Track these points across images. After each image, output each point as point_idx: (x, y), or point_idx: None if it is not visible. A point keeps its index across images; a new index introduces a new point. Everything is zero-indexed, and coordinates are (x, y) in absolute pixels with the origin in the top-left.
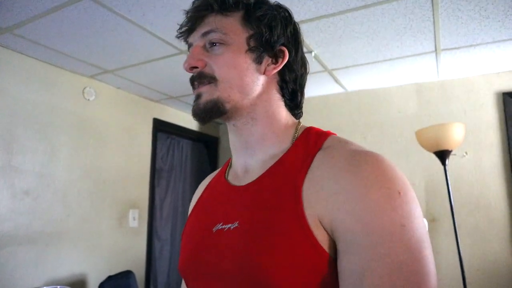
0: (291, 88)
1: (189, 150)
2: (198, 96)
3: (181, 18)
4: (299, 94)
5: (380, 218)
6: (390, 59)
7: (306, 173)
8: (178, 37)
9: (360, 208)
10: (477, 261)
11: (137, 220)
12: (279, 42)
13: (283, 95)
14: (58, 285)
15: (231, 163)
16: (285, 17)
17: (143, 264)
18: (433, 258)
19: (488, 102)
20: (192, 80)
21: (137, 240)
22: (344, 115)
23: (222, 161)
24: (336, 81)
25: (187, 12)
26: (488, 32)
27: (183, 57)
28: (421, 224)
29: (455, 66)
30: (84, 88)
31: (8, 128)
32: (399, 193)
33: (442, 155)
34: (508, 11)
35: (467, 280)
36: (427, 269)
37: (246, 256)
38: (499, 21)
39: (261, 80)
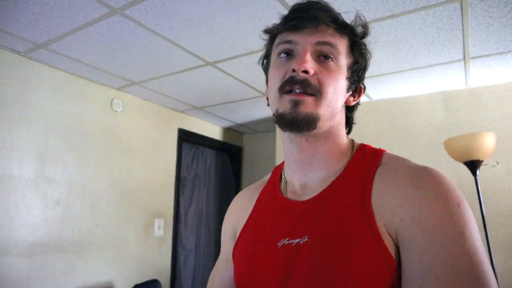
0: (351, 118)
1: (213, 159)
2: (296, 103)
3: (207, 31)
4: (351, 121)
5: (442, 226)
6: (417, 68)
7: (371, 187)
8: (274, 30)
9: (423, 217)
10: (511, 275)
11: (163, 229)
12: (362, 79)
13: (346, 121)
14: None
15: (283, 178)
16: (370, 56)
17: (168, 273)
18: (491, 269)
19: None
20: (292, 82)
21: (162, 249)
22: (369, 124)
23: (245, 171)
24: None
25: (297, 7)
26: None
27: (208, 69)
28: (476, 232)
29: (484, 74)
30: (112, 100)
31: (42, 140)
32: (458, 205)
33: (473, 165)
34: None
35: None
36: (488, 276)
37: (322, 269)
38: None
39: (342, 106)
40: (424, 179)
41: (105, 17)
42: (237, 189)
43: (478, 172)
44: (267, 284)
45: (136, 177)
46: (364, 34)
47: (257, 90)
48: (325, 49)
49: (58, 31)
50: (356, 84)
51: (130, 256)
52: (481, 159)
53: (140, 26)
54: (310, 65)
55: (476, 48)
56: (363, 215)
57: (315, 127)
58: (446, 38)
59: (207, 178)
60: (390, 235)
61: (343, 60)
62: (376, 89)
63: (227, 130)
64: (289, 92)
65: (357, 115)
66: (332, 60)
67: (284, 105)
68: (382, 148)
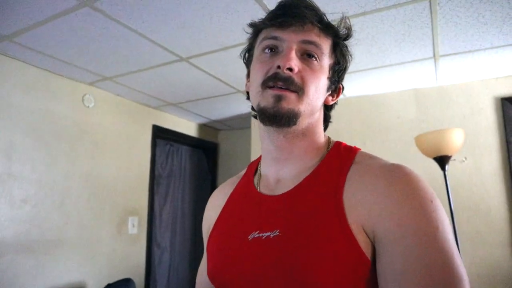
0: (328, 116)
1: (188, 156)
2: (279, 98)
3: (180, 25)
4: (328, 119)
5: (417, 222)
6: (389, 65)
7: (344, 184)
8: (254, 25)
9: (400, 214)
10: (477, 267)
11: (137, 227)
12: (341, 80)
13: (324, 119)
14: None
15: (258, 172)
16: (351, 58)
17: (142, 271)
18: (460, 257)
19: (487, 107)
20: (275, 79)
21: (136, 248)
22: (343, 120)
23: (221, 167)
24: None
25: (284, 3)
26: (486, 38)
27: (183, 64)
28: (448, 227)
29: (453, 72)
30: (84, 95)
31: (7, 136)
32: (431, 201)
33: (442, 160)
34: (506, 17)
35: None
36: (460, 270)
37: (292, 262)
38: (497, 27)
39: (322, 105)
40: (398, 176)
41: (74, 9)
42: (213, 186)
43: (447, 167)
44: (238, 276)
45: (109, 174)
46: (348, 36)
47: (231, 87)
48: (310, 48)
49: (23, 23)
50: (336, 84)
51: (103, 255)
52: (449, 155)
53: (111, 20)
54: (295, 62)
55: (445, 46)
56: (334, 212)
57: (295, 123)
58: (416, 36)
59: (182, 175)
60: (366, 232)
61: (326, 60)
62: (350, 85)
63: (202, 127)
64: (272, 87)
65: (331, 111)
66: (316, 60)
67: (267, 99)
68: (355, 144)
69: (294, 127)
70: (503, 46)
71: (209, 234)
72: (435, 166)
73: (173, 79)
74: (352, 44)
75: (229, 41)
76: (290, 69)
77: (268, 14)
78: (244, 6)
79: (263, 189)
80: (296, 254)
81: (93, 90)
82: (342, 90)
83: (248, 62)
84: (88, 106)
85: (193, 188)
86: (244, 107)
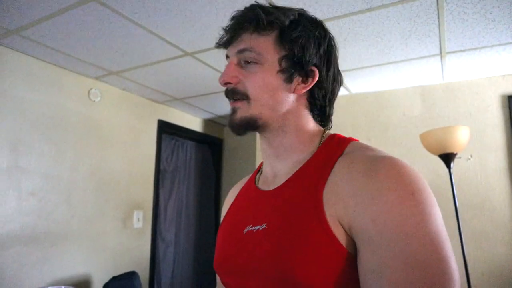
0: (319, 104)
1: (193, 151)
2: (233, 111)
3: (186, 20)
4: (327, 109)
5: (394, 218)
6: (395, 62)
7: (327, 177)
8: (216, 47)
9: (375, 209)
10: (482, 265)
11: (142, 221)
12: (310, 63)
13: (311, 110)
14: (63, 286)
15: (261, 169)
16: (319, 36)
17: (147, 265)
18: (453, 255)
19: (494, 105)
20: (226, 94)
21: (141, 241)
22: (348, 117)
23: (226, 163)
24: None
25: (226, 26)
26: (493, 35)
27: (188, 59)
28: (437, 222)
29: (460, 69)
30: (90, 90)
31: (15, 130)
32: (413, 194)
33: (447, 158)
34: None
35: (471, 284)
36: (445, 265)
37: (273, 255)
38: (504, 23)
39: (291, 98)
40: (378, 169)
41: (80, 3)
42: (218, 181)
43: (452, 164)
44: (233, 268)
45: (114, 168)
46: (292, 22)
47: None
48: (245, 55)
49: (31, 17)
50: (301, 71)
51: (108, 248)
52: (455, 152)
53: (117, 14)
54: (228, 76)
55: (452, 43)
56: (313, 205)
57: (257, 126)
58: (423, 32)
59: (187, 170)
60: (342, 226)
61: (269, 57)
62: (355, 82)
63: (207, 122)
64: (230, 102)
65: (336, 108)
66: (254, 63)
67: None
68: (361, 140)
69: (264, 129)
70: (511, 43)
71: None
72: (441, 163)
73: (178, 74)
74: (359, 40)
75: None
76: (229, 83)
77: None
78: (249, 1)
79: (261, 185)
80: (278, 247)
81: (99, 85)
82: (322, 73)
83: None
84: (94, 101)
85: (198, 182)
86: None
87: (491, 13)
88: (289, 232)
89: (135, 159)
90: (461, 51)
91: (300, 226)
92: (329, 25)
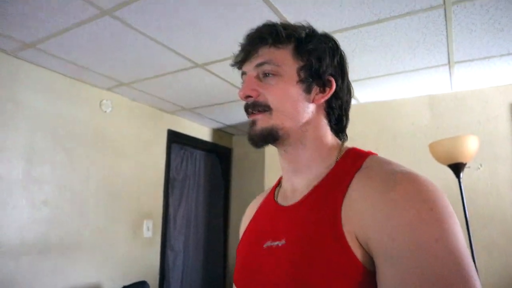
0: (337, 114)
1: (202, 161)
2: (253, 123)
3: (197, 33)
4: (344, 119)
5: (411, 234)
6: (403, 72)
7: (345, 192)
8: (232, 66)
9: (392, 225)
10: (493, 276)
11: (151, 230)
12: (327, 73)
13: (329, 121)
14: None
15: (280, 183)
16: (332, 48)
17: (156, 274)
18: (475, 273)
19: (503, 114)
20: (246, 108)
21: (150, 251)
22: (357, 126)
23: (234, 172)
24: None
25: (242, 44)
26: (502, 45)
27: (198, 71)
28: (457, 237)
29: (468, 78)
30: (101, 101)
31: (29, 140)
32: (432, 210)
33: (456, 168)
34: None
35: None
36: (464, 280)
37: (291, 271)
38: None
39: (310, 108)
40: (396, 184)
41: (94, 18)
42: (226, 190)
43: (461, 174)
44: (252, 282)
45: (125, 178)
46: (308, 35)
47: None
48: (264, 68)
49: (47, 31)
50: (319, 81)
51: (118, 258)
52: (464, 162)
53: (130, 28)
54: (248, 89)
55: (460, 53)
56: (332, 221)
57: (278, 137)
58: (431, 43)
59: (196, 179)
60: (360, 242)
61: (288, 68)
62: (364, 92)
63: (216, 132)
64: (248, 116)
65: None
66: (273, 75)
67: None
68: (369, 149)
69: (284, 140)
70: None
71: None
72: (450, 173)
73: (189, 84)
74: (367, 51)
75: None
76: (249, 96)
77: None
78: (259, 15)
79: (280, 199)
80: (296, 264)
81: (110, 95)
82: (338, 83)
83: None
84: (105, 111)
85: (207, 192)
86: None
87: (499, 23)
88: (307, 248)
89: (145, 168)
90: (469, 60)
91: (318, 242)
92: (337, 37)
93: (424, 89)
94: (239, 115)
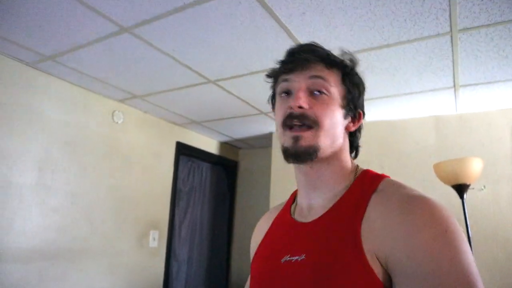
0: (357, 142)
1: (209, 173)
2: (296, 139)
3: (210, 51)
4: (358, 147)
5: (428, 254)
6: (410, 93)
7: (363, 212)
8: (268, 76)
9: (411, 245)
10: None
11: (157, 240)
12: (360, 106)
13: (350, 146)
14: None
15: (295, 201)
16: (364, 86)
17: (160, 284)
18: (482, 286)
19: (506, 136)
20: (291, 117)
21: (155, 260)
22: (362, 145)
23: (240, 185)
24: None
25: (291, 53)
26: (506, 70)
27: (210, 86)
28: (469, 258)
29: (473, 101)
30: (114, 112)
31: (43, 148)
32: (446, 231)
33: (460, 188)
34: None
35: None
36: None
37: (311, 285)
38: None
39: (343, 133)
40: (413, 207)
41: (114, 34)
42: (231, 202)
43: (465, 195)
44: None
45: (133, 188)
46: (353, 65)
47: (256, 108)
48: (318, 82)
49: (67, 45)
50: (353, 111)
51: (124, 266)
52: (468, 183)
53: (147, 45)
54: (304, 100)
55: (465, 77)
56: (352, 240)
57: (316, 156)
58: (437, 66)
59: (202, 191)
60: (379, 260)
61: (336, 92)
62: (369, 111)
63: (223, 145)
64: (291, 127)
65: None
66: (325, 94)
67: (288, 140)
68: (374, 168)
69: (318, 159)
70: None
71: (253, 256)
72: (454, 194)
73: (199, 99)
74: (375, 73)
75: (256, 67)
76: (301, 107)
77: (280, 62)
78: (271, 34)
79: (297, 216)
80: (316, 278)
81: (122, 107)
82: (364, 116)
83: (273, 106)
84: (117, 122)
85: (212, 204)
86: (266, 127)
87: (503, 51)
88: (328, 264)
89: (154, 179)
90: (474, 84)
91: (339, 258)
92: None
93: (429, 110)
94: (247, 129)
